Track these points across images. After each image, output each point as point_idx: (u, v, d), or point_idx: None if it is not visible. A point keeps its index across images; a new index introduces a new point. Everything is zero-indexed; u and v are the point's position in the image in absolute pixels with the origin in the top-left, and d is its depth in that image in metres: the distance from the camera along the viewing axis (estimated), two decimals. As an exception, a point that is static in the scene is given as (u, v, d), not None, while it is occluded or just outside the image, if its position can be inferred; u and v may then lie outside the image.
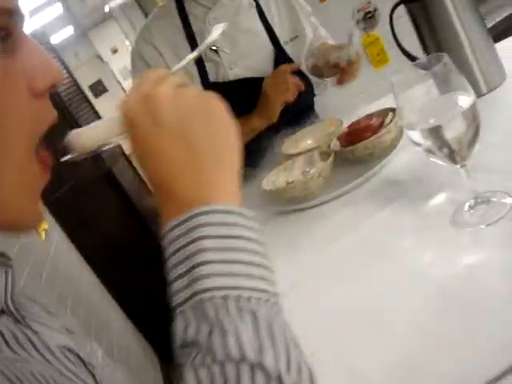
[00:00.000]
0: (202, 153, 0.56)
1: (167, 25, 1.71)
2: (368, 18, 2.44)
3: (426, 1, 1.25)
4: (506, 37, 2.44)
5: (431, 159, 0.81)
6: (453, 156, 0.78)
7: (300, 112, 1.78)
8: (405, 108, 0.80)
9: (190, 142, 0.56)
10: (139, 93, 0.57)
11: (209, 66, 1.70)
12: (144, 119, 0.56)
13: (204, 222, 0.51)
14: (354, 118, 1.36)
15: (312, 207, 1.19)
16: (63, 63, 4.47)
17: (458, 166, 0.82)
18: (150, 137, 0.56)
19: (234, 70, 1.70)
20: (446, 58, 0.78)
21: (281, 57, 1.76)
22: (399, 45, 1.37)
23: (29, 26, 7.18)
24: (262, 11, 1.78)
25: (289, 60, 1.76)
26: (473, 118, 0.77)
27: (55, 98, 3.73)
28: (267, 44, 1.76)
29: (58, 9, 8.32)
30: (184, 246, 0.51)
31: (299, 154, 1.35)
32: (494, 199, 0.85)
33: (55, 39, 9.55)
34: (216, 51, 1.68)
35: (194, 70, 1.68)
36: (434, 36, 1.28)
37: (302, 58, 1.80)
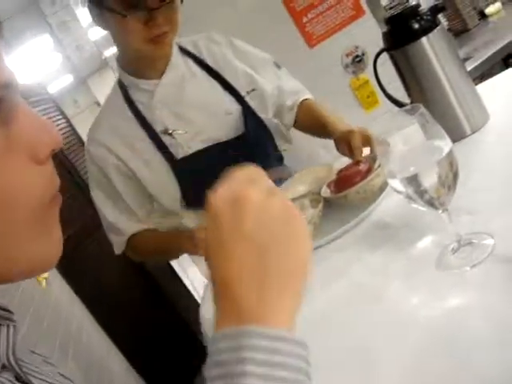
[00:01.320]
0: (273, 270, 0.55)
1: (117, 117, 1.68)
2: (357, 61, 2.50)
3: (407, 48, 1.29)
4: (491, 74, 2.50)
5: (413, 206, 0.84)
6: (433, 203, 0.81)
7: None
8: (385, 157, 0.83)
9: (265, 256, 0.56)
10: (230, 190, 0.59)
11: (169, 147, 1.64)
12: (227, 220, 0.57)
13: (253, 345, 0.51)
14: (344, 162, 1.39)
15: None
16: (62, 113, 4.54)
17: (440, 211, 0.84)
18: (228, 238, 0.56)
19: (193, 147, 1.66)
20: (421, 108, 0.81)
21: (245, 112, 1.71)
22: (384, 91, 1.41)
23: (29, 77, 7.32)
24: (210, 70, 1.74)
25: (253, 115, 1.72)
26: (450, 165, 0.80)
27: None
28: (223, 106, 1.71)
29: (57, 58, 8.48)
30: (228, 363, 0.51)
31: (291, 200, 1.37)
32: (476, 241, 0.87)
33: (54, 88, 9.69)
34: (170, 134, 1.65)
35: (155, 154, 1.65)
36: (416, 82, 1.33)
37: (265, 110, 1.76)
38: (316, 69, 2.48)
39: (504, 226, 0.88)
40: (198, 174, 1.62)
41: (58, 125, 4.16)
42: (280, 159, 1.84)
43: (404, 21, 1.30)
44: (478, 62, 2.90)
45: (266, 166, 1.65)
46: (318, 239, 1.20)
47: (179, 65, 1.70)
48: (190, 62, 1.73)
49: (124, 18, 1.51)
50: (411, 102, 1.36)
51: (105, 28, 1.61)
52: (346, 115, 2.48)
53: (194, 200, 1.66)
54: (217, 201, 0.58)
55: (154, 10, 1.49)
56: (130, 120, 1.66)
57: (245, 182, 0.59)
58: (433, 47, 1.29)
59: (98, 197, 1.71)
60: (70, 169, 3.86)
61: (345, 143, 1.45)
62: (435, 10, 1.32)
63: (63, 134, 4.13)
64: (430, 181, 0.78)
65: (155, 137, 1.64)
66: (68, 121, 4.56)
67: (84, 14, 2.85)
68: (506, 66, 2.84)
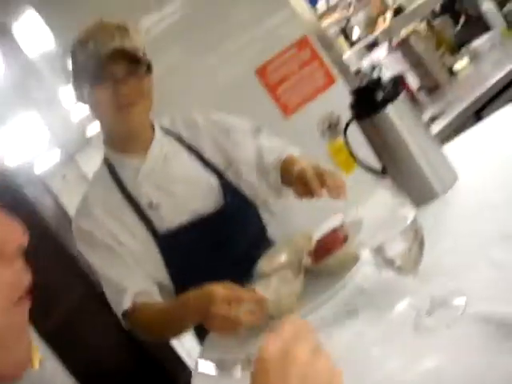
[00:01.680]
0: None
1: (104, 191, 1.73)
2: (332, 127, 2.58)
3: (373, 118, 1.36)
4: (464, 128, 2.57)
5: (378, 275, 0.89)
6: (401, 270, 0.85)
7: (254, 247, 1.75)
8: (351, 229, 0.88)
9: None
10: (279, 346, 0.63)
11: (154, 222, 1.69)
12: (275, 375, 0.61)
13: None
14: (323, 230, 1.44)
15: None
16: (49, 192, 4.58)
17: (411, 276, 0.89)
18: None
19: (177, 220, 1.70)
20: (385, 180, 0.86)
21: (226, 187, 1.76)
22: (355, 158, 1.47)
23: (16, 156, 7.38)
24: (190, 148, 1.80)
25: (233, 189, 1.77)
26: (414, 233, 0.85)
27: (42, 227, 3.81)
28: (206, 181, 1.76)
29: (45, 135, 8.58)
30: None
31: (273, 271, 1.42)
32: (449, 301, 0.91)
33: (41, 165, 9.75)
34: (155, 208, 1.70)
35: (141, 227, 1.68)
36: (385, 148, 1.39)
37: (246, 183, 1.80)
38: (293, 137, 2.52)
39: (475, 285, 0.92)
40: (181, 249, 1.68)
41: (46, 205, 4.20)
42: (263, 231, 1.87)
43: (368, 92, 1.37)
44: (451, 117, 3.00)
45: (246, 238, 1.67)
46: (300, 309, 1.23)
47: (163, 142, 1.77)
48: (172, 140, 1.80)
49: (94, 90, 1.61)
50: (382, 168, 1.42)
51: (84, 102, 1.69)
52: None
53: (179, 276, 1.69)
54: (266, 355, 0.62)
55: (120, 83, 1.59)
56: (117, 196, 1.71)
57: (293, 337, 0.64)
58: (397, 115, 1.36)
59: (96, 260, 1.69)
60: (59, 247, 3.87)
61: (299, 183, 1.47)
62: (397, 80, 1.40)
63: (52, 214, 4.17)
64: (395, 250, 0.83)
65: (140, 212, 1.68)
66: (56, 199, 4.60)
67: (69, 91, 2.93)
68: (479, 119, 2.93)
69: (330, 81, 2.67)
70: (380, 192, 0.91)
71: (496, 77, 3.09)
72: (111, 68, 1.58)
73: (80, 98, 1.69)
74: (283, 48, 2.64)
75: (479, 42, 3.71)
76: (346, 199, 1.30)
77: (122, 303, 1.61)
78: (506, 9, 3.78)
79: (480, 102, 3.03)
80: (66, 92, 3.13)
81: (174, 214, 1.70)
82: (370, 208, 0.89)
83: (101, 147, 1.88)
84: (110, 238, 1.67)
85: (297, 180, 1.51)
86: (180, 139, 1.81)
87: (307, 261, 1.36)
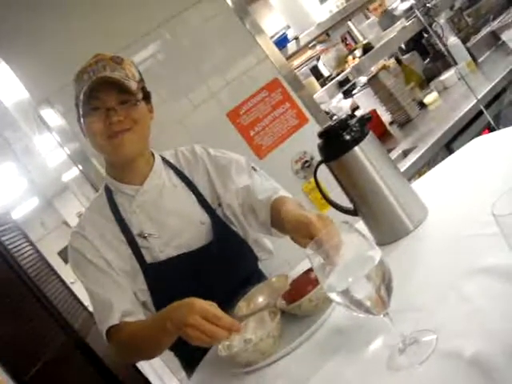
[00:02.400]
0: None
1: (99, 216, 1.79)
2: (306, 166, 2.63)
3: (342, 159, 1.39)
4: (436, 161, 2.62)
5: (352, 314, 0.90)
6: (370, 311, 0.87)
7: (242, 283, 1.76)
8: (319, 272, 0.90)
9: None
10: None
11: (143, 251, 1.74)
12: None
13: None
14: (298, 272, 1.45)
15: (266, 366, 1.25)
16: (28, 240, 4.55)
17: (381, 316, 0.90)
18: None
19: (165, 251, 1.74)
20: (347, 225, 0.89)
21: (216, 225, 1.80)
22: (326, 198, 1.50)
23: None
24: (189, 182, 1.84)
25: (224, 227, 1.81)
26: (382, 274, 0.87)
27: (22, 276, 3.77)
28: (198, 217, 1.80)
29: (22, 183, 8.55)
30: None
31: (250, 315, 1.43)
32: (421, 338, 0.93)
33: (20, 212, 9.69)
34: (145, 237, 1.74)
35: (130, 254, 1.73)
36: (355, 188, 1.42)
37: (235, 222, 1.84)
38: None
39: (446, 321, 0.94)
40: (166, 280, 1.73)
41: (24, 253, 4.16)
42: (255, 269, 1.91)
43: (336, 133, 1.40)
44: (423, 150, 3.06)
45: (234, 275, 1.68)
46: (278, 351, 1.24)
47: (161, 174, 1.82)
48: (171, 173, 1.86)
49: (87, 120, 1.67)
50: (353, 207, 1.45)
51: (84, 134, 1.75)
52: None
53: (162, 304, 1.61)
54: None
55: (112, 111, 1.64)
56: (111, 222, 1.77)
57: None
58: (365, 155, 1.38)
59: (86, 278, 1.73)
60: (39, 295, 3.84)
61: (303, 234, 1.37)
62: (363, 120, 1.43)
63: (31, 261, 4.13)
64: (362, 292, 0.85)
65: (131, 239, 1.74)
66: (35, 247, 4.56)
67: (44, 139, 2.95)
68: (449, 152, 2.99)
69: (302, 121, 2.73)
70: (348, 233, 0.92)
71: (464, 109, 3.17)
72: (102, 97, 1.64)
73: (82, 131, 1.75)
74: (254, 90, 2.69)
75: (447, 76, 3.80)
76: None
77: (109, 320, 1.63)
78: (469, 43, 3.89)
79: (450, 133, 3.10)
80: (41, 140, 3.14)
81: (162, 247, 1.75)
82: (335, 253, 0.91)
83: (77, 192, 1.91)
84: (100, 259, 1.72)
85: (299, 231, 1.40)
86: (179, 173, 1.86)
87: (281, 303, 1.37)
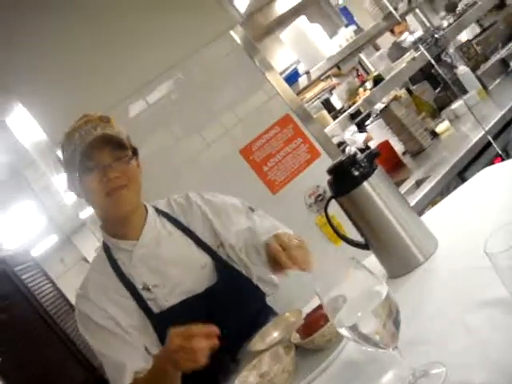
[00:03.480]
0: None
1: (101, 275, 1.81)
2: (319, 200, 2.66)
3: (351, 194, 1.42)
4: (449, 191, 2.63)
5: (362, 348, 0.92)
6: (378, 345, 0.89)
7: (252, 320, 1.82)
8: (329, 307, 0.92)
9: None
10: None
11: (150, 303, 1.75)
12: None
13: None
14: (312, 306, 1.47)
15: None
16: (48, 277, 4.60)
17: (390, 350, 0.93)
18: None
19: (170, 300, 1.76)
20: (355, 261, 0.91)
21: (218, 265, 1.82)
22: (337, 233, 1.52)
23: (15, 243, 7.43)
24: (185, 228, 1.86)
25: (226, 266, 1.83)
26: (388, 309, 0.89)
27: (42, 314, 3.81)
28: (198, 261, 1.82)
29: (41, 221, 8.65)
30: None
31: (265, 350, 1.45)
32: (430, 371, 0.94)
33: (40, 249, 9.77)
34: (149, 289, 1.76)
35: (137, 309, 1.74)
36: (365, 222, 1.44)
37: (239, 261, 1.86)
38: (282, 213, 2.60)
39: (454, 353, 0.96)
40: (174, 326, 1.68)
41: (44, 290, 4.21)
42: (263, 304, 1.92)
43: (345, 169, 1.43)
44: (436, 180, 3.07)
45: (242, 313, 1.69)
46: (294, 385, 1.26)
47: (155, 225, 1.84)
48: (165, 222, 1.87)
49: (83, 179, 1.71)
50: (364, 241, 1.47)
51: (76, 191, 1.79)
52: (316, 252, 2.59)
53: None
54: None
55: (108, 169, 1.69)
56: (113, 279, 1.78)
57: None
58: (374, 189, 1.41)
59: (95, 341, 1.74)
60: (59, 333, 3.87)
61: (270, 259, 1.63)
62: (371, 155, 1.46)
63: (50, 298, 4.18)
64: (370, 327, 0.87)
65: (136, 293, 1.76)
66: (54, 284, 4.61)
67: (61, 178, 3.01)
68: (462, 181, 3.00)
69: (314, 155, 2.76)
70: (356, 269, 0.95)
71: (476, 137, 3.18)
72: (97, 156, 1.69)
73: (72, 187, 1.79)
74: (267, 127, 2.73)
75: (457, 105, 3.83)
76: (311, 272, 1.48)
77: (122, 380, 1.65)
78: (479, 71, 3.93)
79: (462, 162, 3.11)
80: (59, 179, 3.21)
81: (168, 296, 1.76)
82: (347, 285, 0.93)
83: (95, 228, 1.96)
84: (108, 320, 1.72)
85: (268, 256, 1.63)
86: (173, 220, 1.88)
87: (296, 337, 1.39)
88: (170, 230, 1.86)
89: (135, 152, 1.82)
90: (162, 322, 1.73)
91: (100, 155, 1.69)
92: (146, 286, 1.76)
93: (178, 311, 1.75)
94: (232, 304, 1.80)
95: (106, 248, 1.84)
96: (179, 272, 1.80)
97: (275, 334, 1.56)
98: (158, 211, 1.90)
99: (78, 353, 3.77)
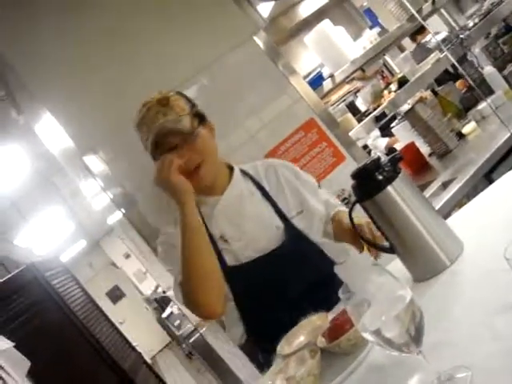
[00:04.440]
0: None
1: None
2: (345, 203, 2.65)
3: (375, 198, 1.42)
4: (476, 193, 2.60)
5: (387, 352, 0.93)
6: (402, 349, 0.90)
7: (318, 285, 1.89)
8: (354, 312, 0.93)
9: None
10: None
11: (225, 254, 1.89)
12: None
13: None
14: (337, 311, 1.48)
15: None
16: (77, 282, 4.66)
17: (415, 354, 0.93)
18: None
19: (245, 253, 1.88)
20: (379, 267, 0.92)
21: (290, 230, 1.94)
22: (363, 238, 1.53)
23: (45, 248, 7.54)
24: (266, 193, 2.00)
25: (297, 232, 1.94)
26: (412, 314, 0.89)
27: (73, 319, 3.86)
28: (274, 222, 1.95)
29: (70, 226, 8.77)
30: None
31: (292, 354, 1.46)
32: (455, 375, 0.94)
33: (69, 254, 9.91)
34: (226, 241, 1.90)
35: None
36: (390, 226, 1.44)
37: (311, 230, 1.98)
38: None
39: (480, 357, 0.96)
40: (244, 282, 1.87)
41: (74, 295, 4.27)
42: (331, 272, 1.94)
43: (369, 174, 1.44)
44: (463, 181, 3.05)
45: (308, 275, 1.77)
46: (319, 389, 1.27)
47: (239, 184, 2.00)
48: (250, 183, 2.03)
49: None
50: (389, 245, 1.47)
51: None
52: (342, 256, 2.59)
53: (241, 302, 1.91)
54: None
55: (177, 149, 1.85)
56: None
57: None
58: (398, 193, 1.41)
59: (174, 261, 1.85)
60: (89, 338, 3.92)
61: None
62: (395, 160, 1.46)
63: (80, 303, 4.23)
64: (394, 332, 0.88)
65: (213, 243, 1.87)
66: (83, 289, 4.67)
67: (89, 184, 3.06)
68: (490, 182, 2.97)
69: (339, 159, 2.77)
70: (379, 274, 0.96)
71: (503, 138, 3.15)
72: (165, 143, 1.86)
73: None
74: (291, 131, 2.74)
75: (484, 105, 3.79)
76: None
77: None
78: (506, 71, 3.88)
79: (489, 164, 3.08)
80: (87, 184, 3.26)
81: (243, 250, 1.89)
82: (371, 289, 0.94)
83: (122, 235, 2.06)
84: None
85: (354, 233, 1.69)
86: (257, 184, 2.01)
87: (321, 341, 1.40)
88: (252, 191, 2.00)
89: (202, 118, 1.95)
90: (232, 274, 1.86)
91: (167, 142, 1.85)
92: (223, 237, 1.90)
93: (248, 268, 1.87)
94: (298, 265, 1.90)
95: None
96: (256, 229, 1.92)
97: (301, 338, 1.56)
98: (244, 172, 2.05)
99: (108, 357, 3.81)
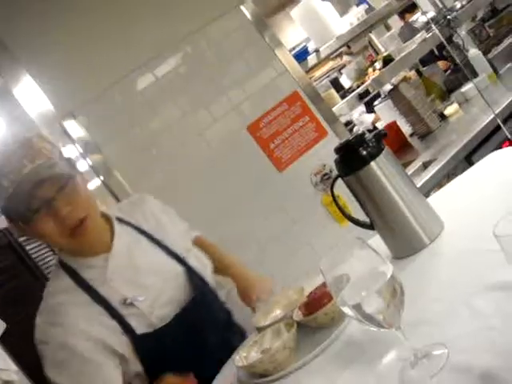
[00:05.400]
0: None
1: (70, 299, 1.58)
2: (325, 179, 2.65)
3: (358, 174, 1.41)
4: (455, 174, 2.62)
5: (365, 327, 0.92)
6: (382, 325, 0.89)
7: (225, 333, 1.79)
8: (333, 286, 0.92)
9: None
10: None
11: (131, 321, 1.58)
12: None
13: None
14: (315, 284, 1.48)
15: (281, 378, 1.27)
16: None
17: (393, 330, 0.92)
18: None
19: (155, 312, 1.62)
20: (360, 241, 0.91)
21: (191, 274, 1.73)
22: (343, 212, 1.52)
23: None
24: (150, 236, 1.75)
25: (197, 275, 1.75)
26: (392, 289, 0.88)
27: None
28: (172, 269, 1.72)
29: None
30: None
31: (268, 326, 1.45)
32: (432, 352, 0.94)
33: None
34: (130, 304, 1.60)
35: (119, 330, 1.57)
36: (371, 202, 1.43)
37: (205, 269, 1.80)
38: (288, 190, 2.62)
39: (457, 335, 0.95)
40: (159, 345, 1.61)
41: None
42: (229, 315, 1.88)
43: (352, 149, 1.42)
44: (443, 162, 3.06)
45: (218, 325, 1.75)
46: (294, 363, 1.26)
47: (122, 233, 1.70)
48: (130, 229, 1.74)
49: (31, 224, 1.49)
50: (370, 221, 1.47)
51: (27, 236, 1.69)
52: (321, 231, 2.61)
53: (155, 368, 1.62)
54: None
55: (55, 202, 1.48)
56: (84, 298, 1.58)
57: None
58: (381, 169, 1.40)
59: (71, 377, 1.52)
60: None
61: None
62: (379, 136, 1.45)
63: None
64: (374, 307, 0.87)
65: (113, 311, 1.58)
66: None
67: (68, 150, 3.02)
68: (470, 164, 2.99)
69: (321, 134, 2.75)
70: (361, 249, 0.95)
71: (483, 122, 3.17)
72: (36, 196, 1.47)
73: (22, 233, 1.64)
74: (274, 104, 2.72)
75: (467, 88, 3.80)
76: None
77: None
78: (490, 55, 3.89)
79: (470, 146, 3.10)
80: (65, 150, 3.21)
81: (150, 309, 1.62)
82: (351, 264, 0.93)
83: (99, 202, 1.81)
84: (91, 344, 1.54)
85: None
86: (138, 228, 1.76)
87: (298, 314, 1.39)
88: (137, 238, 1.73)
89: (73, 166, 1.62)
90: (144, 343, 1.59)
91: (40, 192, 1.47)
92: (125, 300, 1.59)
93: (164, 332, 1.62)
94: (209, 316, 1.76)
95: (66, 269, 1.62)
96: (158, 280, 1.67)
97: (278, 311, 1.56)
98: (119, 219, 1.75)
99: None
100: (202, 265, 1.81)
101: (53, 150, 1.55)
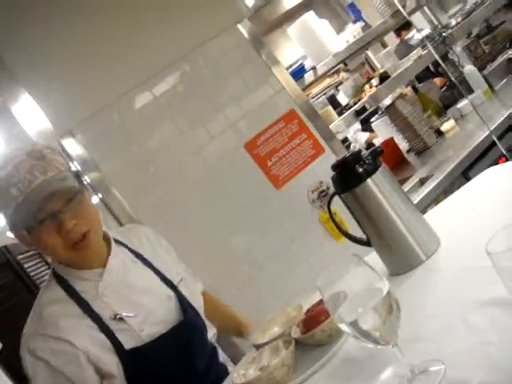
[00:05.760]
0: None
1: (60, 309, 1.58)
2: (322, 196, 2.66)
3: (355, 191, 1.42)
4: (452, 190, 2.62)
5: (362, 344, 0.93)
6: (378, 341, 0.90)
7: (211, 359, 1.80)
8: (330, 303, 0.93)
9: None
10: None
11: (121, 336, 1.58)
12: None
13: None
14: (312, 301, 1.48)
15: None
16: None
17: (390, 347, 0.93)
18: None
19: (145, 330, 1.62)
20: (357, 258, 0.92)
21: (182, 300, 1.73)
22: (340, 229, 1.53)
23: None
24: (145, 260, 1.76)
25: (185, 299, 1.74)
26: (388, 306, 0.89)
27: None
28: (165, 292, 1.73)
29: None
30: None
31: (266, 343, 1.45)
32: (429, 368, 0.95)
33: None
34: (121, 319, 1.59)
35: (107, 345, 1.57)
36: (368, 219, 1.44)
37: (194, 298, 1.80)
38: (285, 208, 2.62)
39: (454, 351, 0.96)
40: (147, 363, 1.61)
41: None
42: (214, 348, 1.87)
43: (349, 166, 1.43)
44: (440, 178, 3.07)
45: (205, 350, 1.76)
46: (292, 380, 1.26)
47: (119, 252, 1.71)
48: (126, 251, 1.76)
49: (36, 235, 1.50)
50: (366, 238, 1.47)
51: (29, 245, 1.63)
52: (319, 248, 2.61)
53: None
54: None
55: (61, 215, 1.49)
56: (75, 311, 1.58)
57: None
58: (378, 186, 1.41)
59: None
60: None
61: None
62: (375, 153, 1.46)
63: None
64: (370, 324, 0.88)
65: (104, 327, 1.58)
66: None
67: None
68: (466, 180, 3.00)
69: (318, 151, 2.77)
70: (357, 265, 0.96)
71: (481, 137, 3.18)
72: (44, 209, 1.48)
73: (22, 242, 1.60)
74: (271, 121, 2.74)
75: (463, 104, 3.82)
76: None
77: None
78: (486, 71, 3.92)
79: (467, 161, 3.11)
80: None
81: (141, 326, 1.62)
82: (348, 281, 0.94)
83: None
84: (78, 354, 1.54)
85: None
86: (133, 251, 1.77)
87: (296, 332, 1.40)
88: (133, 259, 1.74)
89: (78, 175, 1.64)
90: (132, 358, 1.59)
91: (47, 204, 1.48)
92: (116, 316, 1.59)
93: (152, 346, 1.61)
94: (198, 340, 1.76)
95: (59, 281, 1.61)
96: (150, 300, 1.68)
97: (276, 328, 1.56)
98: (117, 241, 1.76)
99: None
100: (193, 293, 1.83)
101: (64, 161, 1.59)
